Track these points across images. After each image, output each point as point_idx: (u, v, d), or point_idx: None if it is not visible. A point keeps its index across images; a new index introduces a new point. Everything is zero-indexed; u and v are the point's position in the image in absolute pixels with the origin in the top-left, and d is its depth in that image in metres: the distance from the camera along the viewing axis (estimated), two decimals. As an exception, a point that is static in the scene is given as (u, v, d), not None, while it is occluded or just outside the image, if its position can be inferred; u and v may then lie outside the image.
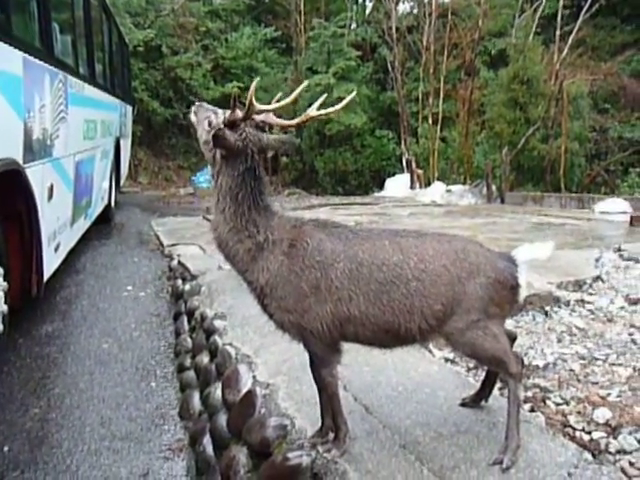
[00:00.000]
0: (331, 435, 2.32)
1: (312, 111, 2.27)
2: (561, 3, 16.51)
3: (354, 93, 2.39)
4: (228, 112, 2.20)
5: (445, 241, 2.24)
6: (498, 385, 2.64)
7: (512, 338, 2.50)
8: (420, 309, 2.11)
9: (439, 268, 2.13)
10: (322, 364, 2.23)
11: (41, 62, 4.32)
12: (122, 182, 10.84)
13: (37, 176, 4.06)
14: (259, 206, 2.18)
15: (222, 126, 2.16)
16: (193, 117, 2.33)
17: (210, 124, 2.21)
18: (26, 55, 3.87)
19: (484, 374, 2.63)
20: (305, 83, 2.33)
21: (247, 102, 2.13)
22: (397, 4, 21.07)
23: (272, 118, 2.29)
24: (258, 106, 2.17)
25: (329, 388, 2.25)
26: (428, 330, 2.15)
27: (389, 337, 2.19)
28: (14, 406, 3.45)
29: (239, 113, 2.15)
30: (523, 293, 2.25)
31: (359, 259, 2.13)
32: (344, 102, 2.33)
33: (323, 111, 2.31)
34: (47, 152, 4.41)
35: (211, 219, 2.27)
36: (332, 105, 2.31)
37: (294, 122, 2.32)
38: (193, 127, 2.35)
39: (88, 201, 6.59)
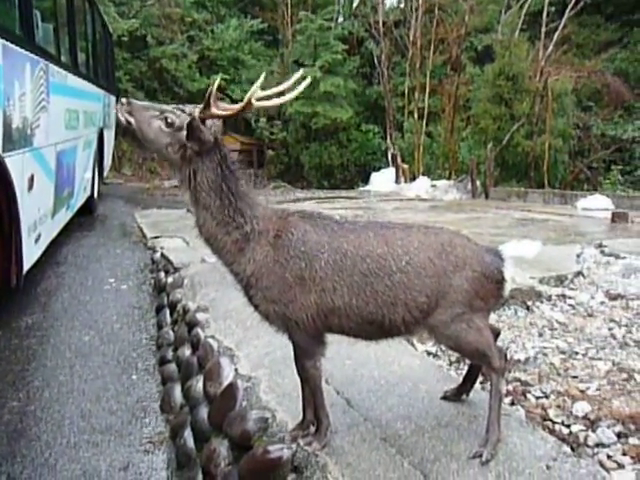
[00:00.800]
0: (312, 428, 2.32)
1: (255, 96, 2.13)
2: (547, 0, 16.59)
3: (308, 80, 2.24)
4: (193, 108, 2.15)
5: (432, 234, 2.24)
6: (479, 379, 2.66)
7: (496, 333, 2.51)
8: (404, 301, 2.12)
9: (424, 260, 2.14)
10: (306, 356, 2.23)
11: (21, 49, 4.24)
12: (105, 173, 10.72)
13: (17, 166, 3.99)
14: (242, 196, 2.16)
15: (196, 120, 2.09)
16: (128, 117, 2.16)
17: (170, 124, 2.12)
18: (5, 42, 3.80)
19: (466, 368, 2.64)
20: (292, 80, 2.18)
21: (206, 99, 2.10)
22: (384, -2, 21.04)
23: (214, 111, 2.15)
24: (224, 106, 2.16)
25: (312, 380, 2.25)
26: (412, 322, 2.16)
27: (373, 329, 2.19)
28: (-8, 398, 3.40)
29: (214, 109, 2.12)
30: (508, 287, 2.25)
31: (343, 250, 2.13)
32: (295, 93, 2.22)
33: (269, 103, 2.22)
34: (27, 141, 4.34)
35: (195, 218, 2.20)
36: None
37: (237, 107, 2.17)
38: (127, 129, 2.18)
39: (70, 192, 6.50)
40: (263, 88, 2.14)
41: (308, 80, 2.26)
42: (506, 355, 2.43)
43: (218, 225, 2.15)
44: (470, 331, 2.16)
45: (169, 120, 2.12)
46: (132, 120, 2.16)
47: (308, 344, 2.21)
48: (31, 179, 4.42)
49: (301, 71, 2.29)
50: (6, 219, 3.93)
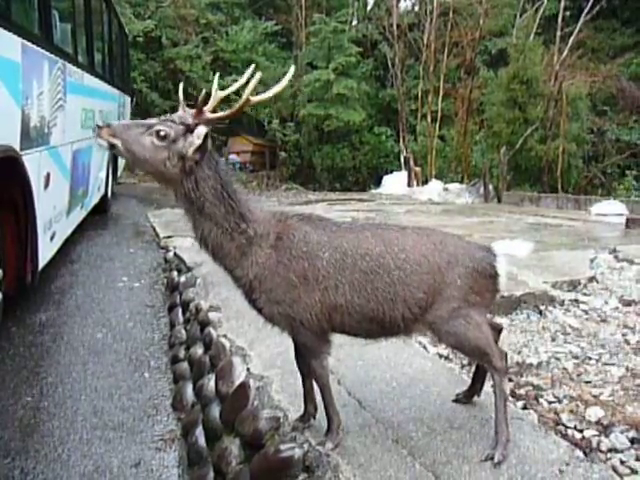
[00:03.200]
0: (313, 421, 2.38)
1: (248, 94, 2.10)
2: (562, 4, 16.50)
3: (292, 69, 2.22)
4: (182, 115, 2.08)
5: (424, 234, 2.32)
6: (491, 382, 2.65)
7: (498, 330, 2.53)
8: (403, 297, 2.16)
9: (419, 257, 2.19)
10: (312, 355, 2.25)
11: (40, 49, 4.29)
12: (119, 173, 10.80)
13: (34, 164, 4.03)
14: (241, 200, 2.17)
15: (204, 129, 2.04)
16: (111, 140, 2.04)
17: (164, 137, 2.03)
18: (25, 41, 3.85)
19: (474, 369, 2.65)
20: (285, 78, 2.12)
21: (199, 104, 2.06)
22: (398, 1, 21.05)
23: (208, 115, 2.09)
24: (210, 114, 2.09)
25: (320, 380, 2.27)
26: (411, 319, 2.20)
27: (375, 326, 2.23)
28: (6, 394, 3.44)
29: (209, 113, 2.08)
30: (503, 282, 2.28)
31: (344, 249, 2.18)
32: (283, 82, 2.17)
33: (266, 95, 2.19)
34: (44, 140, 4.39)
35: (195, 233, 2.18)
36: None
37: (234, 110, 2.13)
38: (116, 152, 2.08)
39: (85, 191, 6.57)
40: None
41: (292, 69, 2.26)
42: (506, 355, 2.44)
43: (224, 233, 2.15)
44: (469, 327, 2.19)
45: (162, 133, 2.04)
46: (117, 142, 2.05)
47: (313, 343, 2.24)
48: (47, 177, 4.47)
49: (292, 68, 2.31)
50: (22, 217, 3.97)
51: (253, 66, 2.23)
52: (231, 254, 2.18)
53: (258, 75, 2.14)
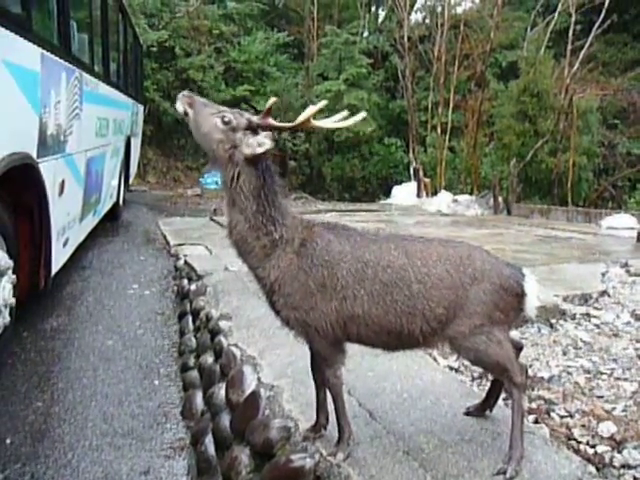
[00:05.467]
0: (324, 432, 2.37)
1: (316, 120, 2.23)
2: (573, 18, 16.52)
3: (363, 114, 2.31)
4: (252, 116, 2.21)
5: (450, 247, 2.29)
6: (502, 395, 2.64)
7: (518, 348, 2.51)
8: (422, 311, 2.15)
9: (442, 272, 2.17)
10: (326, 364, 2.26)
11: (58, 59, 4.35)
12: (131, 180, 10.88)
13: (49, 171, 4.08)
14: (277, 205, 2.20)
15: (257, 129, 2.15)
16: (187, 108, 2.21)
17: (227, 122, 2.17)
18: (44, 51, 3.91)
19: (489, 384, 2.63)
20: (317, 106, 2.20)
21: (266, 109, 2.17)
22: (409, 14, 21.14)
23: (271, 122, 2.23)
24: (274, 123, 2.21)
25: (333, 389, 2.27)
26: (430, 333, 2.18)
27: (392, 338, 2.22)
28: (17, 399, 3.45)
29: (272, 120, 2.19)
30: (532, 302, 2.25)
31: (365, 260, 2.18)
32: (352, 120, 2.29)
33: (327, 124, 2.29)
34: (60, 148, 4.44)
35: (226, 219, 2.25)
36: (341, 111, 2.31)
37: (295, 123, 2.24)
38: (186, 118, 2.23)
39: (97, 198, 6.62)
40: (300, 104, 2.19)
41: (363, 114, 2.32)
42: (527, 371, 2.42)
43: (250, 229, 2.19)
44: (490, 344, 2.17)
45: (226, 119, 2.16)
46: (190, 111, 2.21)
47: (327, 352, 2.24)
48: (62, 184, 4.52)
49: (326, 84, 2.36)
50: (37, 223, 4.02)
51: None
52: (254, 252, 2.21)
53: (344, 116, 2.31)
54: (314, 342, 2.24)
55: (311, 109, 2.17)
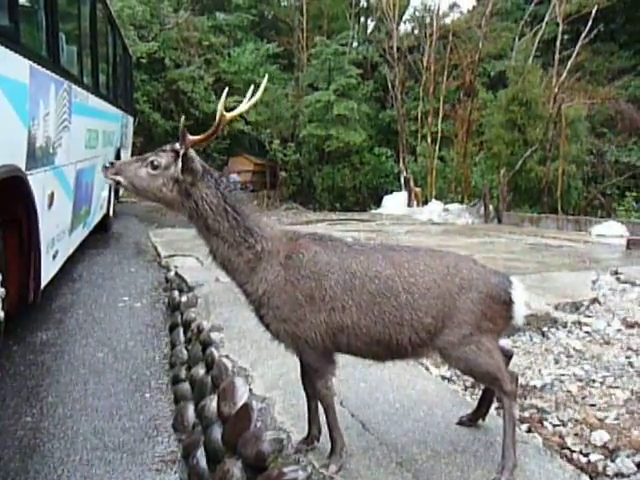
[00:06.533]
0: (316, 443, 2.36)
1: (230, 112, 2.20)
2: (560, 28, 16.75)
3: (264, 84, 2.29)
4: (172, 145, 2.21)
5: (437, 257, 2.30)
6: (495, 405, 2.64)
7: (508, 356, 2.51)
8: (410, 322, 2.15)
9: (429, 282, 2.18)
10: (317, 375, 2.25)
11: (47, 71, 4.34)
12: (121, 192, 10.84)
13: (38, 183, 4.06)
14: (248, 214, 2.21)
15: (184, 152, 2.15)
16: (116, 177, 2.22)
17: (157, 166, 2.17)
18: (32, 63, 3.90)
19: (481, 392, 2.63)
20: (222, 98, 2.15)
21: (181, 132, 2.17)
22: (398, 24, 21.35)
23: (192, 138, 2.20)
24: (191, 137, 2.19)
25: (324, 400, 2.26)
26: (419, 343, 2.18)
27: (381, 349, 2.22)
28: (6, 414, 3.41)
29: (191, 136, 2.18)
30: (520, 311, 2.25)
31: (352, 270, 2.18)
32: (261, 88, 2.27)
33: (241, 108, 2.25)
34: (49, 160, 4.42)
35: (207, 247, 2.25)
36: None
37: (212, 131, 2.19)
38: (122, 187, 2.26)
39: (87, 210, 6.59)
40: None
41: (264, 83, 2.31)
42: (517, 379, 2.42)
43: (230, 247, 2.19)
44: (480, 353, 2.17)
45: (155, 163, 2.18)
46: (120, 179, 2.23)
47: (318, 363, 2.23)
48: (51, 196, 4.49)
49: (265, 79, 2.37)
50: (26, 235, 3.98)
51: (252, 87, 2.30)
52: (240, 269, 2.21)
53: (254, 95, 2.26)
54: (304, 354, 2.24)
55: (220, 103, 2.14)
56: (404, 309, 2.15)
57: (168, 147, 2.22)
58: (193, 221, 2.23)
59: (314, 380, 2.26)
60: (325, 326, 2.16)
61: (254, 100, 2.28)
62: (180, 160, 2.15)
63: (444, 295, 2.17)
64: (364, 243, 2.50)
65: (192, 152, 2.19)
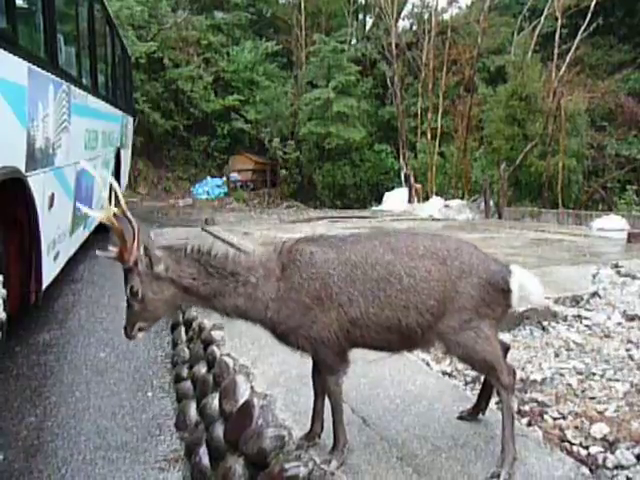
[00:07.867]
0: (318, 440, 2.37)
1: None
2: (559, 22, 16.70)
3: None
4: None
5: (438, 240, 2.32)
6: (495, 399, 2.65)
7: (505, 348, 2.52)
8: (415, 304, 2.17)
9: (429, 265, 2.20)
10: (330, 372, 2.27)
11: (45, 72, 4.35)
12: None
13: (39, 185, 4.07)
14: (224, 262, 2.24)
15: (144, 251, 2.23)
16: (140, 326, 2.29)
17: (135, 292, 2.23)
18: (31, 65, 3.91)
19: (481, 386, 2.64)
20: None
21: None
22: (397, 21, 21.31)
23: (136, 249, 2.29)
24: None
25: (333, 397, 2.28)
26: (426, 325, 2.19)
27: (394, 336, 2.23)
28: (10, 414, 3.43)
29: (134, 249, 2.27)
30: (516, 299, 2.26)
31: (352, 262, 2.20)
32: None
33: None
34: (49, 161, 4.43)
35: (217, 312, 2.32)
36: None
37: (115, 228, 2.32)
38: (152, 325, 2.36)
39: (88, 210, 6.59)
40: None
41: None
42: (515, 372, 2.43)
43: (230, 297, 2.22)
44: (478, 340, 2.19)
45: (134, 290, 2.22)
46: (141, 325, 2.29)
47: (334, 362, 2.25)
48: (52, 198, 4.51)
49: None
50: (27, 236, 4.00)
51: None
52: (248, 307, 2.23)
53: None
54: (321, 354, 2.25)
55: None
56: (409, 292, 2.17)
57: (126, 267, 2.24)
58: (196, 300, 2.28)
59: (326, 376, 2.28)
60: (337, 323, 2.18)
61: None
62: (144, 258, 2.21)
63: (445, 279, 2.19)
64: (358, 233, 2.52)
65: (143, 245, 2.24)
